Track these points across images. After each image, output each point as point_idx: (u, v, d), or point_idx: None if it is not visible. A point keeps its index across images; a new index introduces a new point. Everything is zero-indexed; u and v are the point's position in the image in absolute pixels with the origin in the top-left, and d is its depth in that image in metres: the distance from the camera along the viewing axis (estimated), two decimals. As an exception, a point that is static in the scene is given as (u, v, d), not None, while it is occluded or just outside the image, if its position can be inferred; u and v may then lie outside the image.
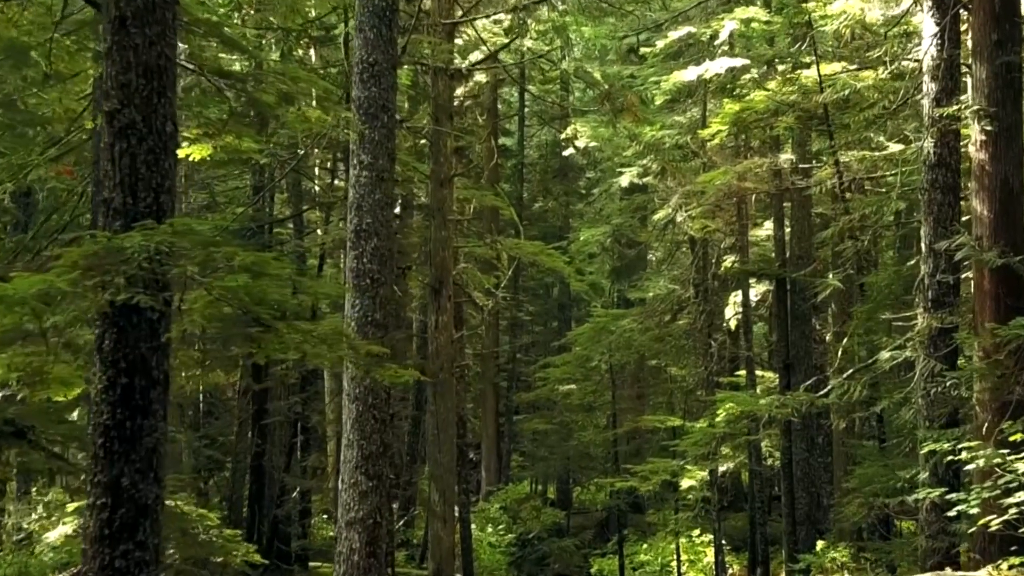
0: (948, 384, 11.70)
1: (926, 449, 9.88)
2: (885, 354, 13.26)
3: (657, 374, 32.13)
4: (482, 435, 37.16)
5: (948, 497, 9.58)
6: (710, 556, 26.48)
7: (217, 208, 26.66)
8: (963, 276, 13.32)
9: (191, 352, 6.98)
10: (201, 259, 6.09)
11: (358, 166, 13.07)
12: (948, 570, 7.87)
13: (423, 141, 22.47)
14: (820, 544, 22.89)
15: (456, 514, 21.80)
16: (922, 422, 12.16)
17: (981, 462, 8.59)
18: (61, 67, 11.86)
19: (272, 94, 8.94)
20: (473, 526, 30.61)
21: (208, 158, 9.80)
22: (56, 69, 11.74)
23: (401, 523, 28.86)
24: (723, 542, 25.22)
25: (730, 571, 28.11)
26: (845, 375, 13.59)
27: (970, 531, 9.86)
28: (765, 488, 26.42)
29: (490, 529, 31.13)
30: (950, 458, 9.44)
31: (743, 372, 25.78)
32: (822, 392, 13.90)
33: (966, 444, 9.07)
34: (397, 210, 27.12)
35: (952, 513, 9.54)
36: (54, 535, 16.27)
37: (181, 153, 10.05)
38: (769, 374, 27.65)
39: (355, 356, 6.82)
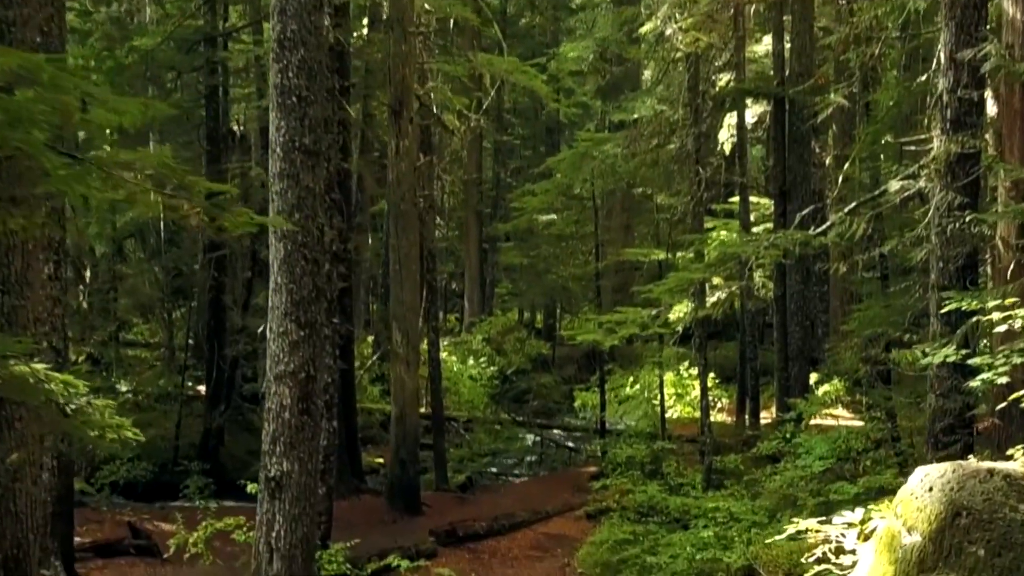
0: (968, 220, 9.87)
1: (949, 307, 8.20)
2: (894, 184, 11.41)
3: (644, 203, 30.41)
4: (465, 265, 35.80)
5: (971, 362, 8.00)
6: (698, 390, 25.36)
7: (168, 20, 24.42)
8: (988, 93, 11.34)
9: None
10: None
11: (280, -39, 11.02)
12: (972, 458, 6.37)
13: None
14: (813, 377, 21.72)
15: (423, 353, 20.41)
16: (935, 263, 10.44)
17: (1018, 323, 6.98)
18: None
19: None
20: (454, 358, 29.43)
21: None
22: None
23: (375, 357, 27.66)
24: (712, 375, 24.01)
25: (718, 405, 27.02)
26: (847, 209, 11.77)
27: (997, 408, 8.32)
28: (757, 318, 25.06)
29: (472, 362, 29.94)
30: (976, 319, 7.80)
31: (736, 199, 24.23)
32: (820, 229, 12.14)
33: (997, 303, 7.41)
34: (366, 28, 24.99)
35: (975, 384, 7.97)
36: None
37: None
38: (764, 200, 26.14)
39: (191, 197, 5.08)
